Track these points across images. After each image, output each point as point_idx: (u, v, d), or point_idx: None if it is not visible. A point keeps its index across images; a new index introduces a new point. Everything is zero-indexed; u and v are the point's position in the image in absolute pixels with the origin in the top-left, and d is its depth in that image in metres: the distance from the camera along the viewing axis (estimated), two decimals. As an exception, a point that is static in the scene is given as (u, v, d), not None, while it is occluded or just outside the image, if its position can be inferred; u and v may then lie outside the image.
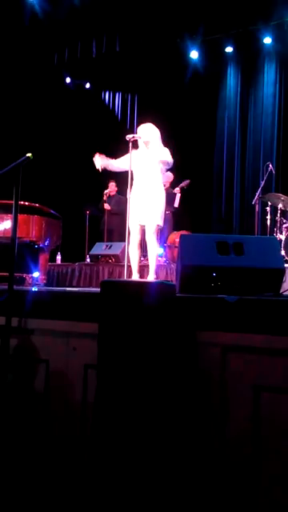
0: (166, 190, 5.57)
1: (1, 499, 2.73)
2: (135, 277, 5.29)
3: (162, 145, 5.27)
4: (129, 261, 5.31)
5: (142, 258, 5.58)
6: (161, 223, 5.20)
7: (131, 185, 5.22)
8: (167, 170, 5.96)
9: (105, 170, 5.55)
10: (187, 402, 2.40)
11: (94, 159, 5.47)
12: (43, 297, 3.01)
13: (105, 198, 9.03)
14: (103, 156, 5.49)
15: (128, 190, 5.21)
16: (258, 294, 2.95)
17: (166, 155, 5.20)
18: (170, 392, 2.32)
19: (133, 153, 5.21)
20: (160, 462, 2.24)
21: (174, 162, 5.34)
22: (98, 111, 11.55)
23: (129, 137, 5.20)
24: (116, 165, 5.47)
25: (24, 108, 10.18)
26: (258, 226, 7.81)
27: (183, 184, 8.42)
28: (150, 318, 2.29)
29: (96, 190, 9.40)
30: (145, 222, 5.16)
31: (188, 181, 8.45)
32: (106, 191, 9.06)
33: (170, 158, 5.21)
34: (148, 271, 5.43)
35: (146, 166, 5.17)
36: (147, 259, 6.11)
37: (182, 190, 8.34)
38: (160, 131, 5.34)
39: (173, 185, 8.39)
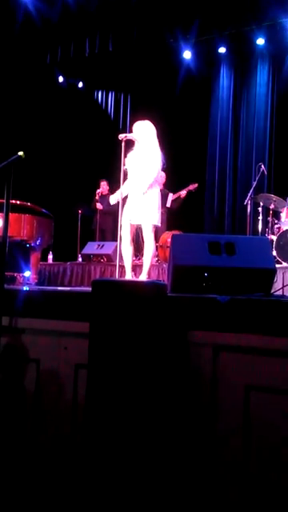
0: (160, 190, 5.55)
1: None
2: (129, 276, 5.25)
3: (156, 144, 5.20)
4: (121, 260, 5.28)
5: (134, 258, 5.54)
6: (156, 223, 5.15)
7: (123, 183, 5.20)
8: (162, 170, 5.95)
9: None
10: (178, 402, 2.40)
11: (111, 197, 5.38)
12: (34, 296, 2.99)
13: (97, 197, 9.02)
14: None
15: (120, 190, 5.19)
16: (250, 293, 2.95)
17: (151, 173, 5.05)
18: (161, 392, 2.31)
19: (129, 152, 5.20)
20: (151, 461, 2.24)
21: (167, 162, 5.32)
22: (91, 111, 11.53)
23: (121, 136, 5.18)
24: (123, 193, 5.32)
25: (16, 107, 10.15)
26: (250, 226, 7.83)
27: (191, 187, 8.46)
28: (141, 317, 2.28)
29: (88, 190, 9.39)
30: (140, 221, 5.11)
31: (196, 184, 8.49)
32: (98, 191, 9.05)
33: (153, 174, 5.08)
34: (140, 271, 5.41)
35: (141, 165, 5.14)
36: (138, 259, 6.08)
37: (189, 193, 8.41)
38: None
39: (177, 186, 8.41)
